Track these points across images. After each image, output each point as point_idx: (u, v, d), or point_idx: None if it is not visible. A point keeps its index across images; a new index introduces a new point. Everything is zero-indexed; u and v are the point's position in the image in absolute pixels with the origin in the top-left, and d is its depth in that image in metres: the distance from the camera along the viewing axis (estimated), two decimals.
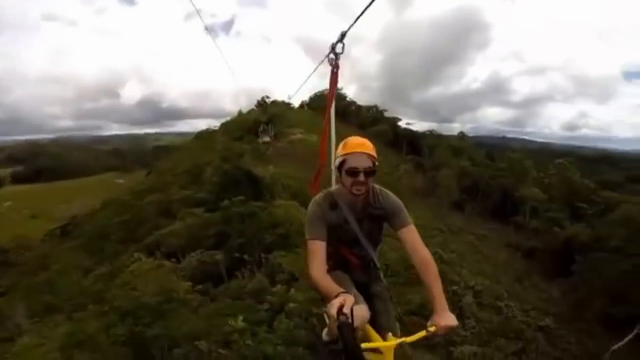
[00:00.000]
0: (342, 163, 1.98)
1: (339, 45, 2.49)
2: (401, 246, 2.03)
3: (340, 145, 2.06)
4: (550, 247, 22.09)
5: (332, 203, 2.07)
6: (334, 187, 2.21)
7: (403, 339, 1.82)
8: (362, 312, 1.92)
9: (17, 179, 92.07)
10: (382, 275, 2.35)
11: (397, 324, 2.25)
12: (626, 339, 13.00)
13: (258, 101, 44.71)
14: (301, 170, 27.23)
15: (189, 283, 11.52)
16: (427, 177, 30.49)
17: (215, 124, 51.38)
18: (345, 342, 1.51)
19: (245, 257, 13.66)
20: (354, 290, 2.11)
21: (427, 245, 2.02)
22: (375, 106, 45.54)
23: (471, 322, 14.63)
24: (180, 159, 39.84)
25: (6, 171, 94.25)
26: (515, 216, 27.65)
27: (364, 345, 1.72)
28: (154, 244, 18.40)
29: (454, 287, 16.87)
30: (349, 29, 2.42)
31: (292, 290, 9.80)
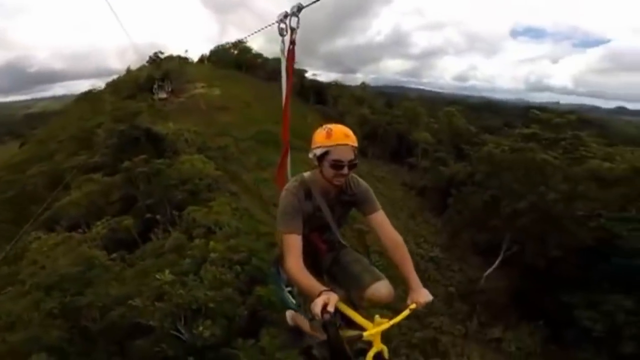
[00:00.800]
0: (324, 154, 1.93)
1: (294, 19, 2.22)
2: (371, 230, 2.12)
3: (322, 133, 1.96)
4: (437, 185, 25.26)
5: (307, 192, 2.05)
6: (306, 173, 2.12)
7: (390, 323, 1.81)
8: (386, 287, 2.06)
9: None
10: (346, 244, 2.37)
11: (383, 275, 2.23)
12: (494, 266, 14.57)
13: (150, 57, 40.76)
14: (205, 125, 26.75)
15: (103, 252, 11.45)
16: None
17: (99, 84, 45.40)
18: (331, 341, 1.55)
19: (158, 217, 13.80)
20: (364, 264, 2.22)
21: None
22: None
23: (374, 256, 17.47)
24: (62, 125, 34.85)
25: None
26: (409, 158, 31.86)
27: (348, 334, 1.81)
28: (50, 219, 16.91)
29: (359, 225, 19.42)
30: (308, 5, 2.19)
31: (212, 243, 10.66)
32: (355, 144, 1.93)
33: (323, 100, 38.70)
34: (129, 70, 42.82)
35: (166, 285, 8.63)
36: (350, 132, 1.94)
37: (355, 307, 2.01)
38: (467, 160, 22.90)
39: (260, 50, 48.00)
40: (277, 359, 7.21)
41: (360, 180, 2.14)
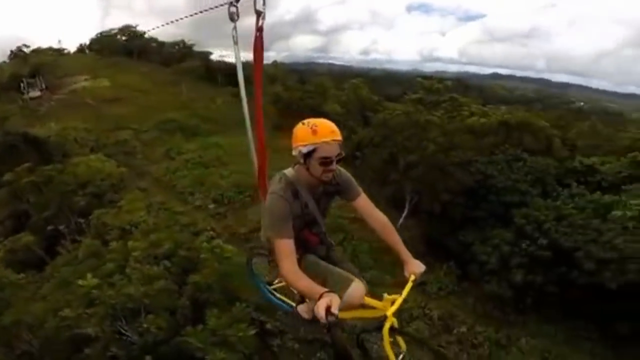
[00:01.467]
0: (312, 151, 1.92)
1: (260, 1, 1.90)
2: (357, 214, 2.24)
3: (307, 130, 1.92)
4: (348, 151, 27.73)
5: (294, 192, 2.04)
6: (288, 171, 2.10)
7: (402, 297, 1.93)
8: (360, 289, 2.01)
9: None
10: (331, 240, 2.41)
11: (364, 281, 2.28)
12: (403, 215, 15.69)
13: (12, 51, 34.84)
14: (95, 120, 24.30)
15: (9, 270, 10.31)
16: (248, 105, 32.77)
17: None
18: (335, 342, 1.53)
19: (61, 228, 12.65)
20: (348, 265, 2.26)
21: None
22: (182, 41, 42.09)
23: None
24: None
25: None
26: None
27: (367, 300, 1.95)
28: None
29: None
30: None
31: (131, 242, 10.21)
32: (341, 138, 1.94)
33: (234, 81, 37.71)
34: None
35: (93, 290, 8.38)
36: (335, 127, 1.95)
37: None
38: (371, 126, 23.77)
39: (156, 34, 44.02)
40: (229, 336, 7.61)
41: (342, 169, 2.16)
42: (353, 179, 2.20)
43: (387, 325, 1.90)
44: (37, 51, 37.32)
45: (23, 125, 19.19)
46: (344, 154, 1.96)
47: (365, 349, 2.31)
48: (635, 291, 10.03)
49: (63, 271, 10.49)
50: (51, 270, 11.47)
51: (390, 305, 1.93)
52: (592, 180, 13.84)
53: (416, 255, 2.13)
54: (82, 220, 12.75)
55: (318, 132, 1.89)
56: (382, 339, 1.93)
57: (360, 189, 2.21)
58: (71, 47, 45.36)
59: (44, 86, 28.21)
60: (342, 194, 2.21)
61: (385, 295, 1.97)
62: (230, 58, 45.49)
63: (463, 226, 14.07)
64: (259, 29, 1.98)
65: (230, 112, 31.09)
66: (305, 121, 1.95)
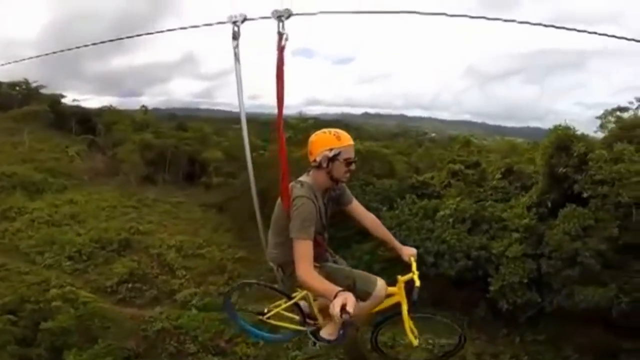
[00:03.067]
0: (337, 154, 2.23)
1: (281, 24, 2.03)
2: (351, 217, 2.60)
3: (331, 136, 2.28)
4: (231, 197, 27.61)
5: (315, 196, 2.26)
6: (304, 178, 2.33)
7: (415, 273, 2.34)
8: (383, 284, 2.34)
9: None
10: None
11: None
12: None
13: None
14: None
15: None
16: (106, 156, 30.19)
17: None
18: (349, 340, 2.05)
19: None
20: (356, 271, 2.46)
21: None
22: (26, 81, 36.86)
23: (181, 271, 17.86)
24: None
25: None
26: (204, 178, 33.16)
27: (390, 289, 2.33)
28: None
29: (156, 251, 19.21)
30: (301, 14, 2.07)
31: None
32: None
33: (91, 128, 34.60)
34: None
35: None
36: (348, 134, 2.32)
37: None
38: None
39: None
40: None
41: None
42: (345, 186, 2.54)
43: (404, 308, 2.22)
44: None
45: None
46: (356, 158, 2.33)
47: (381, 350, 2.65)
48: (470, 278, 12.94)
49: None
50: None
51: (404, 286, 2.29)
52: (425, 192, 17.37)
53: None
54: None
55: (341, 137, 2.26)
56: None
57: (351, 194, 2.58)
58: None
59: None
60: (340, 199, 2.51)
61: (399, 277, 2.31)
62: (86, 103, 41.93)
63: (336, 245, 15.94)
64: (281, 50, 2.10)
65: (88, 164, 28.64)
66: (324, 130, 2.33)
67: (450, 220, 14.35)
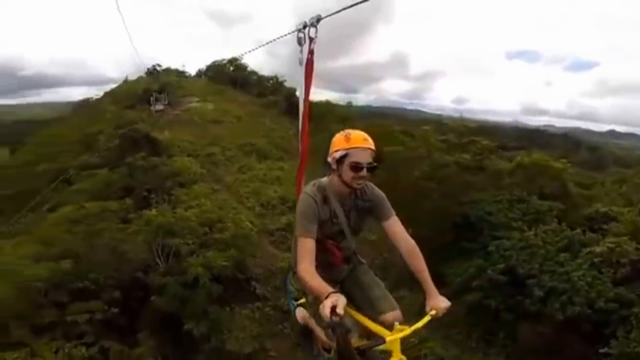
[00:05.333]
0: (343, 156, 2.13)
1: (313, 29, 2.38)
2: (388, 236, 2.32)
3: (341, 137, 2.19)
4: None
5: (324, 197, 2.24)
6: (323, 179, 2.31)
7: (410, 329, 1.94)
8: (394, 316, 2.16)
9: None
10: (361, 258, 2.53)
11: (395, 303, 2.38)
12: None
13: (148, 69, 46.19)
14: (197, 136, 31.98)
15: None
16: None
17: (93, 92, 51.22)
18: (339, 344, 1.63)
19: (152, 196, 18.71)
20: (376, 291, 2.40)
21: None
22: (276, 76, 50.58)
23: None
24: (62, 131, 39.95)
25: None
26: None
27: (364, 344, 1.95)
28: (57, 204, 21.66)
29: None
30: (327, 15, 2.36)
31: (189, 212, 15.88)
32: (373, 148, 2.16)
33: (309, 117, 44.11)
34: (126, 81, 47.58)
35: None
36: (368, 137, 2.18)
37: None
38: None
39: (257, 65, 53.36)
40: None
41: (376, 187, 2.37)
42: (386, 200, 2.35)
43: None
44: (167, 71, 48.74)
45: (146, 129, 27.16)
46: (375, 164, 2.17)
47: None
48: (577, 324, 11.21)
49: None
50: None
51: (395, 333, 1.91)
52: (604, 227, 14.80)
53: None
54: (166, 196, 18.60)
55: (351, 139, 2.15)
56: None
57: (393, 212, 2.34)
58: (192, 71, 56.51)
59: (167, 102, 36.57)
60: (373, 212, 2.35)
61: (397, 325, 1.97)
62: (320, 96, 52.43)
63: (455, 256, 16.10)
64: (311, 52, 2.45)
65: (298, 144, 37.19)
66: (342, 131, 2.26)
67: (596, 260, 12.25)
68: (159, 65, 48.71)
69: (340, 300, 1.73)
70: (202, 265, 13.18)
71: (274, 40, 3.73)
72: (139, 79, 45.79)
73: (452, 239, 16.53)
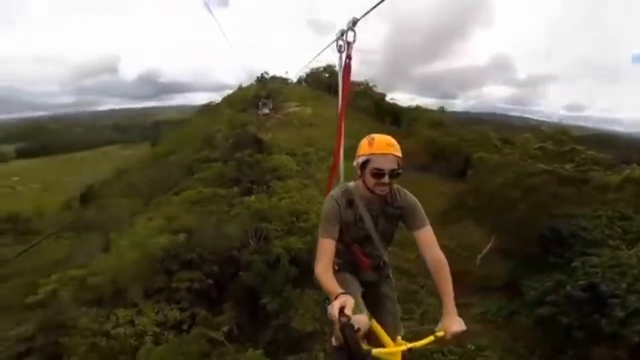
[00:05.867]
0: (365, 162, 2.10)
1: (350, 33, 2.42)
2: (416, 246, 2.22)
3: (365, 142, 2.14)
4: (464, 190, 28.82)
5: (349, 200, 2.22)
6: (352, 182, 2.30)
7: (412, 345, 1.91)
8: (360, 321, 1.99)
9: (20, 155, 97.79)
10: (391, 273, 2.53)
11: (401, 325, 2.41)
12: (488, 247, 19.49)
13: (258, 77, 52.26)
14: (294, 136, 35.36)
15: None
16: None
17: (215, 97, 60.00)
18: (349, 344, 1.63)
19: (254, 187, 21.91)
20: (359, 298, 2.26)
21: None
22: (366, 82, 52.66)
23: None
24: (189, 130, 47.70)
25: (10, 147, 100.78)
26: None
27: (374, 351, 1.89)
28: (182, 189, 26.67)
29: None
30: (362, 16, 2.38)
31: (282, 202, 18.36)
32: (398, 154, 2.09)
33: (398, 122, 44.75)
34: (240, 88, 55.22)
35: None
36: (393, 142, 2.11)
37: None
38: None
39: (353, 71, 56.40)
40: None
41: (409, 193, 2.27)
42: (420, 207, 2.26)
43: None
44: (273, 78, 54.73)
45: (254, 130, 31.31)
46: (400, 171, 2.09)
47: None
48: None
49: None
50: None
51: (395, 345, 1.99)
52: None
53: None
54: (265, 187, 21.59)
55: (374, 144, 2.10)
56: None
57: (426, 221, 2.23)
58: (294, 76, 62.15)
59: (272, 106, 41.62)
60: (404, 219, 2.28)
61: (399, 339, 2.04)
62: (400, 102, 52.92)
63: (537, 270, 15.30)
64: (348, 56, 2.58)
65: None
66: (368, 135, 2.20)
67: None
68: (267, 74, 54.62)
69: (349, 301, 1.75)
70: (283, 247, 15.19)
71: (317, 55, 4.36)
72: (250, 85, 52.25)
73: (537, 252, 15.82)
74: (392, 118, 45.60)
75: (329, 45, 3.01)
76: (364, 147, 2.16)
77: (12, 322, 14.20)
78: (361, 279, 2.46)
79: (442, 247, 2.22)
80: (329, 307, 1.78)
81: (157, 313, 13.22)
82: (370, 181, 2.12)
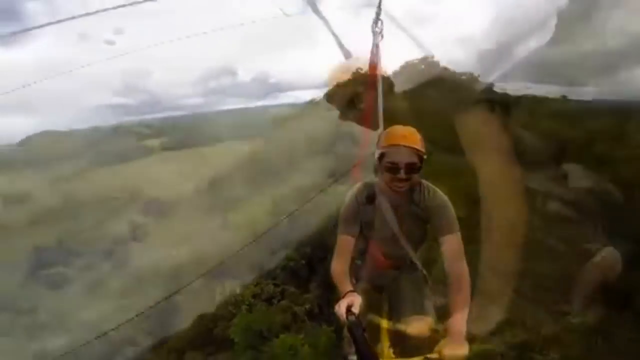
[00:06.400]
0: (381, 156, 1.90)
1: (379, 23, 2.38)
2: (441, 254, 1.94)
3: (383, 134, 1.95)
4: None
5: (370, 196, 2.06)
6: (377, 178, 2.09)
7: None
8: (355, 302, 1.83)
9: (165, 149, 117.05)
10: (420, 266, 2.29)
11: (430, 314, 2.18)
12: None
13: (352, 73, 52.76)
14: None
15: None
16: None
17: (318, 94, 62.15)
18: (357, 342, 1.60)
19: None
20: (411, 304, 2.23)
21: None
22: (471, 73, 48.49)
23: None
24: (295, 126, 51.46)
25: (155, 142, 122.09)
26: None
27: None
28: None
29: None
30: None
31: None
32: (417, 146, 1.83)
33: (508, 112, 40.66)
34: (337, 84, 56.56)
35: None
36: (411, 133, 1.87)
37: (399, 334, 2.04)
38: None
39: (452, 61, 52.64)
40: None
41: (439, 193, 2.03)
42: (450, 210, 1.99)
43: None
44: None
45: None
46: (419, 165, 1.85)
47: None
48: None
49: None
50: None
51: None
52: None
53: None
54: None
55: (390, 136, 1.89)
56: None
57: (454, 227, 1.96)
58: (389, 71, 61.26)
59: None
60: (431, 222, 2.05)
61: (390, 352, 1.99)
62: (532, 91, 46.76)
63: None
64: (376, 46, 2.53)
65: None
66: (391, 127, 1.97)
67: None
68: (360, 69, 54.71)
69: (357, 300, 1.73)
70: None
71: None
72: (348, 82, 52.81)
73: None
74: (502, 107, 41.65)
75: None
76: (381, 140, 1.96)
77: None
78: (379, 279, 2.40)
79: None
80: (336, 305, 1.74)
81: (255, 286, 15.73)
82: (386, 177, 1.92)
